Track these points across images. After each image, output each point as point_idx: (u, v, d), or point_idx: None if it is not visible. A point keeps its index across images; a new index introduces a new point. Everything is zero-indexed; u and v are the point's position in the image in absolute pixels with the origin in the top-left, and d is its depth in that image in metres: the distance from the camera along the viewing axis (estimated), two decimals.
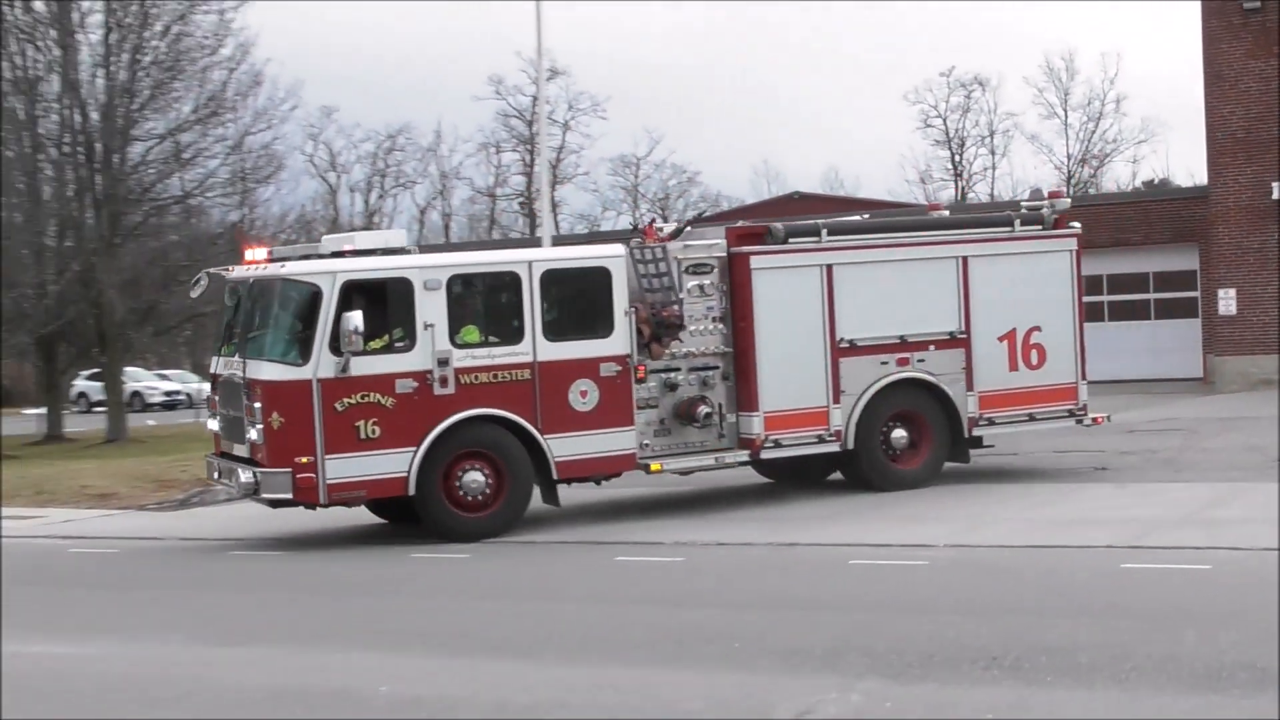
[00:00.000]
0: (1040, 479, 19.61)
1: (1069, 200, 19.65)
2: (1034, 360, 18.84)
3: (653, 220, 20.69)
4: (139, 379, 58.42)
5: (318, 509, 16.93)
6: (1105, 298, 38.22)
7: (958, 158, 76.63)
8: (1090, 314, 38.13)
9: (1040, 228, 19.08)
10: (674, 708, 8.66)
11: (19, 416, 48.61)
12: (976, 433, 18.77)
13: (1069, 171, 74.56)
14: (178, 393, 59.26)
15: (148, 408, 56.31)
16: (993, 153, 77.03)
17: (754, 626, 11.09)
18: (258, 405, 16.55)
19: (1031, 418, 19.02)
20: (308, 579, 15.28)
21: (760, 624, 11.23)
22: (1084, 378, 19.28)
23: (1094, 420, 19.39)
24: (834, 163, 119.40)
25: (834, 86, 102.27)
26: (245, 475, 16.68)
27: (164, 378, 61.64)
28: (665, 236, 18.40)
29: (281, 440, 16.37)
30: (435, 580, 14.81)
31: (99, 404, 50.18)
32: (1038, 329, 18.86)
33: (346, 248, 17.28)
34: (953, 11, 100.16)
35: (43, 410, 43.55)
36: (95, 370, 51.00)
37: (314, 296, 16.44)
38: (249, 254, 17.52)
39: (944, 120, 75.56)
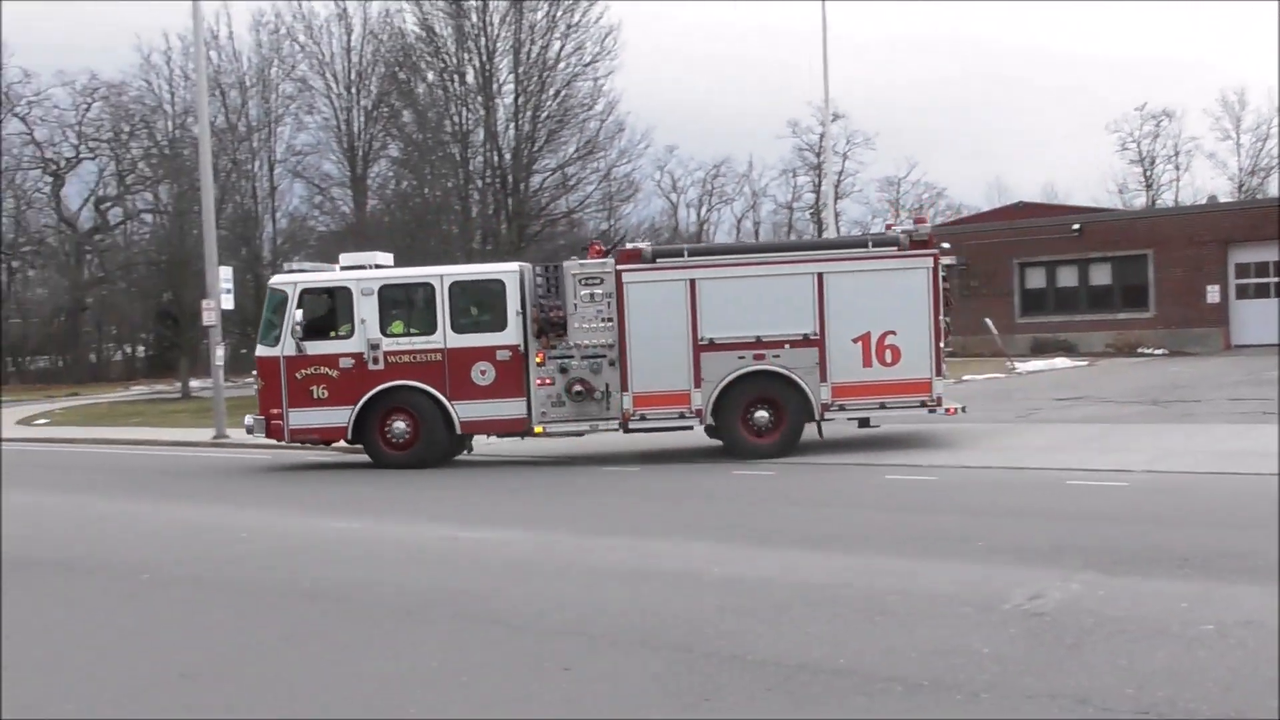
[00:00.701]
0: (1217, 420, 18.45)
1: (929, 227, 17.55)
2: (888, 359, 16.90)
3: (594, 241, 20.43)
4: None
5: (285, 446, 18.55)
6: (1274, 280, 36.56)
7: (1149, 173, 72.45)
8: (1260, 292, 36.45)
9: (895, 248, 17.11)
10: (931, 589, 8.40)
11: None
12: (830, 416, 17.12)
13: (1240, 181, 69.90)
14: None
15: None
16: (1177, 168, 72.50)
17: (992, 529, 10.68)
18: (255, 374, 18.28)
19: (883, 406, 17.06)
20: (653, 489, 15.34)
21: (997, 527, 10.81)
22: (939, 374, 16.96)
23: (947, 411, 17.08)
24: (1050, 177, 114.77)
25: (1052, 117, 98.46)
26: (248, 420, 18.46)
27: None
28: (604, 253, 18.25)
29: (262, 398, 18.02)
30: (750, 490, 14.74)
31: None
32: (893, 333, 16.89)
33: (358, 264, 18.45)
34: (1146, 56, 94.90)
35: None
36: None
37: (284, 299, 17.80)
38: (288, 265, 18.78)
39: (1138, 144, 71.48)
